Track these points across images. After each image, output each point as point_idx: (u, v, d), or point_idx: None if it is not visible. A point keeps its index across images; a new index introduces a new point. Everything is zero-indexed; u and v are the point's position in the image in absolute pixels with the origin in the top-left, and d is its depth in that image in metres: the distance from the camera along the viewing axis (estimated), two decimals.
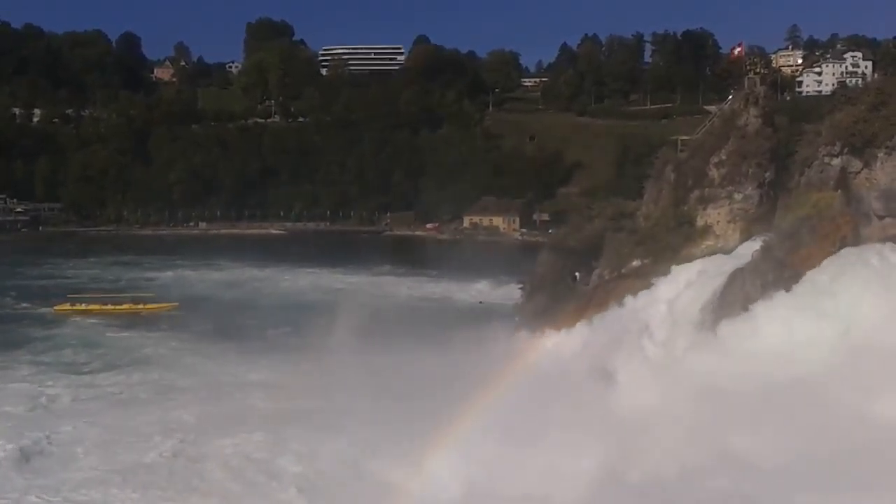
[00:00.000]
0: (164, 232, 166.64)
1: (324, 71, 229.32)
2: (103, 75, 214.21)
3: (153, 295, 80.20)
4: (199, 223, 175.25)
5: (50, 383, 49.40)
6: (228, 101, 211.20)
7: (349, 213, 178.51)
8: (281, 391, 46.11)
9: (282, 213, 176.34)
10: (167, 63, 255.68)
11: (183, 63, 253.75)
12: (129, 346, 61.23)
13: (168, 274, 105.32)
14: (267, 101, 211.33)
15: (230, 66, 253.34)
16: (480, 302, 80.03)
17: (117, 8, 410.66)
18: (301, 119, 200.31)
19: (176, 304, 76.97)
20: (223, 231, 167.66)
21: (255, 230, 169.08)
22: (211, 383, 49.70)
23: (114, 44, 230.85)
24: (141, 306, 75.25)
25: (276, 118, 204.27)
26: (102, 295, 78.56)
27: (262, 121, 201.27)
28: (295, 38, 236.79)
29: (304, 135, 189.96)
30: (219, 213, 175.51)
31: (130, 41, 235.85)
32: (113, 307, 74.63)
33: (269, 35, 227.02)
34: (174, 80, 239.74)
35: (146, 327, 68.72)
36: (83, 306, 74.35)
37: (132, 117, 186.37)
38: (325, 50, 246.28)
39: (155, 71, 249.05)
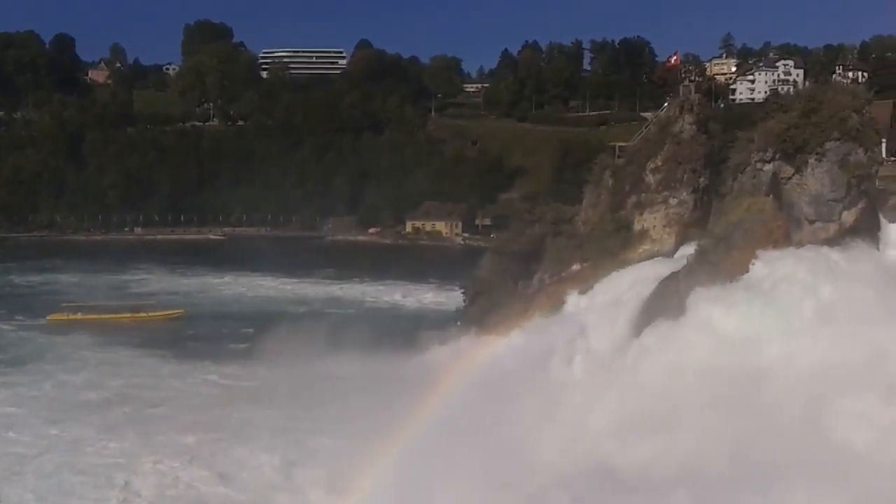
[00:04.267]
0: (99, 238, 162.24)
1: (264, 74, 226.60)
2: (36, 77, 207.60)
3: (154, 302, 77.10)
4: (135, 228, 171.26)
5: None
6: (165, 104, 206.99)
7: (290, 217, 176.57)
8: None
9: (221, 219, 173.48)
10: (102, 65, 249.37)
11: (118, 65, 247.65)
12: None
13: (57, 276, 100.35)
14: (205, 104, 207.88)
15: (167, 69, 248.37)
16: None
17: (51, 8, 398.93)
18: (241, 122, 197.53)
19: (181, 310, 73.84)
20: (160, 236, 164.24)
21: (193, 235, 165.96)
22: None
23: (47, 45, 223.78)
24: (142, 314, 72.13)
25: (215, 121, 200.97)
26: (100, 303, 74.33)
27: (201, 124, 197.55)
28: (234, 40, 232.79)
29: (244, 139, 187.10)
30: (156, 217, 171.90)
31: (64, 42, 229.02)
32: (112, 316, 70.97)
33: (207, 37, 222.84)
34: (109, 82, 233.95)
35: None
36: (80, 315, 69.92)
37: (66, 120, 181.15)
38: (265, 53, 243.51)
39: (89, 73, 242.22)
